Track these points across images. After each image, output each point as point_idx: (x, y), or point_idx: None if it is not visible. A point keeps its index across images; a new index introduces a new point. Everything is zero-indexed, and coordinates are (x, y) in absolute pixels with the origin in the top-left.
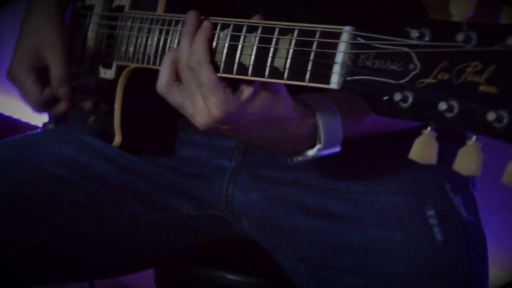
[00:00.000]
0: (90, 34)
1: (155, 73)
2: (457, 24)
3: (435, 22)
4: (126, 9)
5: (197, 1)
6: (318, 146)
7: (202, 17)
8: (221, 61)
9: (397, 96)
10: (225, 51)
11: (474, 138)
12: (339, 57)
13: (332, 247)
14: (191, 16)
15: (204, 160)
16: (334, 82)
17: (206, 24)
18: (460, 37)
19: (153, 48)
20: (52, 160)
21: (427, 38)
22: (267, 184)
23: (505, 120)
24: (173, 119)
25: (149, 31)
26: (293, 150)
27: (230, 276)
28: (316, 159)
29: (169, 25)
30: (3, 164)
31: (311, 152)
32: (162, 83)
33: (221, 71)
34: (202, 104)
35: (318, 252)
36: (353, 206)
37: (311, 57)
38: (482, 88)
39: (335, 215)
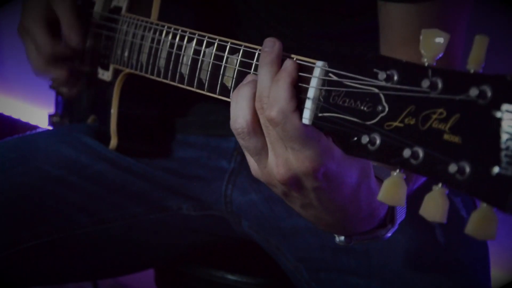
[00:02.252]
0: (90, 33)
1: (152, 79)
2: (423, 68)
3: (402, 65)
4: (123, 11)
5: (190, 7)
6: (391, 227)
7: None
8: (205, 80)
9: (365, 139)
10: (210, 69)
11: (440, 184)
12: (311, 92)
13: (333, 249)
14: (273, 45)
15: (203, 161)
16: (306, 118)
17: (290, 65)
18: (425, 83)
19: (145, 56)
20: (51, 161)
21: (395, 80)
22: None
23: (467, 172)
24: (170, 120)
25: (142, 38)
26: (353, 229)
27: (230, 276)
28: None
29: (160, 34)
30: (3, 165)
31: (387, 233)
32: (242, 125)
33: (205, 90)
34: (286, 153)
35: (319, 253)
36: None
37: None
38: (446, 136)
39: None
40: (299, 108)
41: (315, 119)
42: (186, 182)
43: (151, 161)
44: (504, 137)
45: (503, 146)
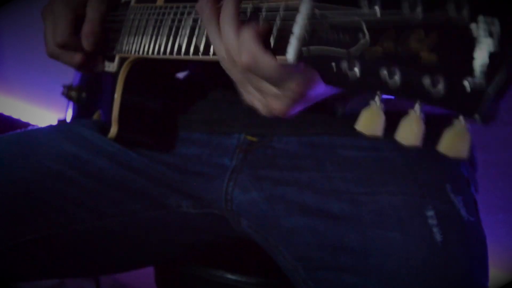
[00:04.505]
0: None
1: (157, 68)
2: None
3: None
4: (132, 3)
5: None
6: None
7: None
8: (201, 44)
9: (344, 64)
10: (206, 33)
11: (417, 106)
12: (296, 28)
13: (331, 247)
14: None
15: (204, 158)
16: (291, 53)
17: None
18: (405, 5)
19: (148, 37)
20: (52, 156)
21: (376, 7)
22: (267, 184)
23: (441, 86)
24: (174, 115)
25: (146, 22)
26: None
27: (230, 276)
28: (319, 160)
29: (163, 15)
30: (3, 159)
31: None
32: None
33: (200, 54)
34: (274, 90)
35: (317, 252)
36: (353, 207)
37: (273, 31)
38: (423, 55)
39: (334, 215)
40: (279, 47)
41: (300, 54)
42: (187, 179)
43: (153, 156)
44: (478, 47)
45: (476, 56)
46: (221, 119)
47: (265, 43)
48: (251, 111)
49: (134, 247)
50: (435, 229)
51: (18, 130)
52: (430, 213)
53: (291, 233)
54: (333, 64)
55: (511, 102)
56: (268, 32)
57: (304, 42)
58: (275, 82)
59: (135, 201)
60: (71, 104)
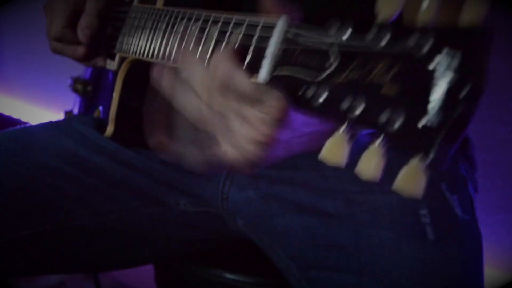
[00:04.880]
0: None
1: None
2: (375, 25)
3: (353, 22)
4: (135, 2)
5: None
6: None
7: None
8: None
9: (310, 93)
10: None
11: (377, 142)
12: (269, 51)
13: (324, 246)
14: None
15: None
16: (262, 76)
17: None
18: (370, 36)
19: (144, 40)
20: (50, 152)
21: (344, 37)
22: (263, 183)
23: (397, 124)
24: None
25: (145, 23)
26: None
27: (230, 276)
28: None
29: (159, 17)
30: (1, 155)
31: None
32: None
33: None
34: (257, 113)
35: (310, 251)
36: (347, 206)
37: (249, 51)
38: (384, 89)
39: (329, 214)
40: (252, 68)
41: (270, 77)
42: (184, 177)
43: (150, 155)
44: (434, 88)
45: (432, 98)
46: None
47: (238, 63)
48: None
49: (132, 244)
50: (428, 228)
51: (17, 127)
52: (424, 211)
53: (285, 232)
54: (300, 88)
55: (511, 102)
56: (241, 52)
57: (275, 65)
58: (254, 100)
59: (133, 198)
60: (78, 97)
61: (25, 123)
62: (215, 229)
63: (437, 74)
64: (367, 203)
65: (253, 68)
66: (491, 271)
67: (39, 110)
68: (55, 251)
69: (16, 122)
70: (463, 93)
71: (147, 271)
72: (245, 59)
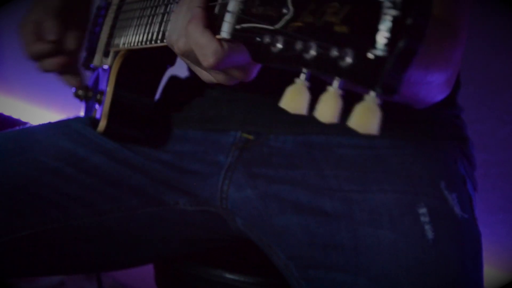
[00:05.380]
0: (104, 28)
1: (147, 62)
2: None
3: None
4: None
5: None
6: None
7: None
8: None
9: (267, 40)
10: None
11: (335, 83)
12: (231, 6)
13: (322, 245)
14: None
15: (200, 156)
16: (225, 31)
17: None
18: None
19: (133, 29)
20: (49, 152)
21: None
22: (262, 182)
23: (348, 58)
24: (168, 111)
25: (133, 15)
26: None
27: (230, 276)
28: (314, 158)
29: (146, 5)
30: (1, 155)
31: None
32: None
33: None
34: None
35: (308, 251)
36: (346, 205)
37: (215, 10)
38: (336, 28)
39: (327, 213)
40: (215, 25)
41: (234, 31)
42: (183, 176)
43: (148, 154)
44: (382, 19)
45: (380, 28)
46: (218, 117)
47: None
48: (248, 109)
49: (131, 243)
50: (427, 227)
51: (16, 128)
52: (423, 210)
53: (283, 231)
54: (258, 39)
55: (511, 102)
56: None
57: (237, 20)
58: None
59: (132, 197)
60: (83, 104)
61: (25, 123)
62: (214, 228)
63: (385, 4)
64: (365, 202)
65: (218, 25)
66: (491, 271)
67: (39, 110)
68: (55, 251)
69: (16, 122)
70: (408, 22)
71: (147, 271)
72: (212, 17)
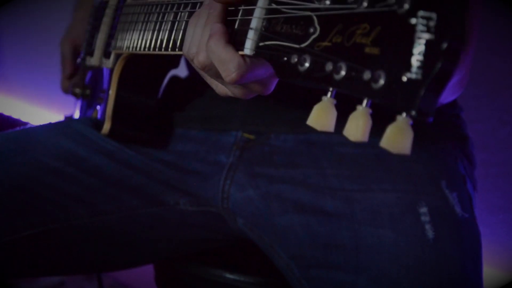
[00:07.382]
0: (102, 28)
1: (150, 64)
2: None
3: None
4: (129, 1)
5: None
6: None
7: None
8: (178, 39)
9: (294, 59)
10: (183, 28)
11: (364, 103)
12: (254, 23)
13: (324, 245)
14: None
15: (201, 156)
16: (248, 48)
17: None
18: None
19: (137, 33)
20: (50, 153)
21: (327, 2)
22: (263, 181)
23: (381, 81)
24: (170, 113)
25: (137, 18)
26: None
27: (230, 276)
28: (315, 157)
29: (150, 10)
30: (1, 156)
31: None
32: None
33: (176, 50)
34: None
35: (310, 250)
36: (347, 204)
37: (235, 25)
38: (367, 49)
39: (328, 212)
40: (236, 41)
41: (257, 48)
42: (184, 176)
43: (150, 154)
44: (416, 42)
45: (414, 51)
46: (218, 117)
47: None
48: (249, 109)
49: (132, 243)
50: (427, 226)
51: (17, 128)
52: (423, 209)
53: (285, 231)
54: (285, 58)
55: (511, 102)
56: (228, 27)
57: (261, 36)
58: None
59: (132, 197)
60: (79, 102)
61: (25, 123)
62: (215, 228)
63: (418, 27)
64: (366, 201)
65: (240, 41)
66: (491, 271)
67: (39, 110)
68: (56, 251)
69: (16, 122)
70: (444, 46)
71: (147, 271)
72: (232, 33)
